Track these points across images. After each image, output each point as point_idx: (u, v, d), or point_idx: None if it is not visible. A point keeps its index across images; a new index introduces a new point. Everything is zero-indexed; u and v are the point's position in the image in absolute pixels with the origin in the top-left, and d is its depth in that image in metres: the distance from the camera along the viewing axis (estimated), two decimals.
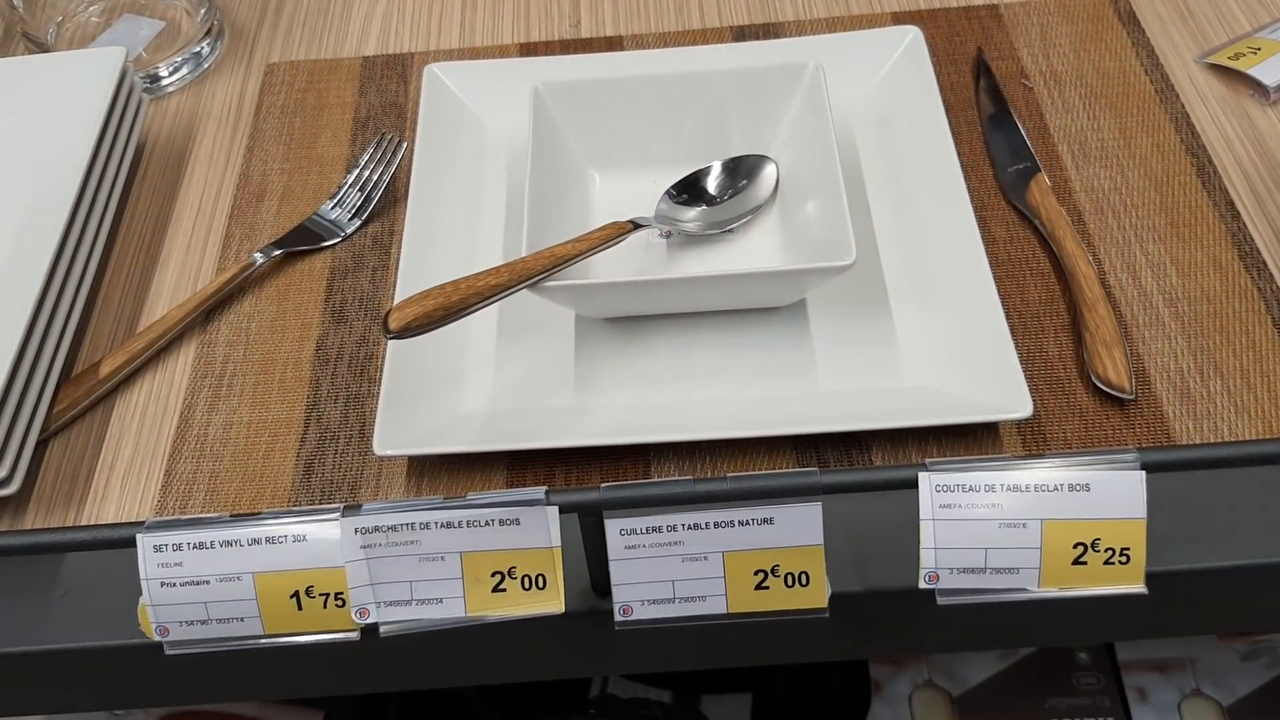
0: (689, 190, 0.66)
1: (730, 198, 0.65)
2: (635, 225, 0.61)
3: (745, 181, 0.66)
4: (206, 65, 0.83)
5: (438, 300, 0.51)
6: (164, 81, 0.82)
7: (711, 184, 0.66)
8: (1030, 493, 0.48)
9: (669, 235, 0.65)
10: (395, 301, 0.61)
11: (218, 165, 0.75)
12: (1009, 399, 0.55)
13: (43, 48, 0.82)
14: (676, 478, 0.54)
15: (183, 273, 0.69)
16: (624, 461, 0.58)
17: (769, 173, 0.66)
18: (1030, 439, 0.58)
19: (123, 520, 0.58)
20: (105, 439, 0.61)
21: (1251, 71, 0.73)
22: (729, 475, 0.49)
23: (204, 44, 0.83)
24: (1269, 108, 0.72)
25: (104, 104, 0.71)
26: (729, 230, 0.65)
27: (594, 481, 0.58)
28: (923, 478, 0.49)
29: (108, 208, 0.70)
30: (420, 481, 0.58)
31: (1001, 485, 0.48)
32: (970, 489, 0.48)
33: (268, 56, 0.83)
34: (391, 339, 0.49)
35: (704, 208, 0.65)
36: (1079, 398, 0.59)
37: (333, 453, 0.60)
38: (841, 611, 0.52)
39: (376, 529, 0.49)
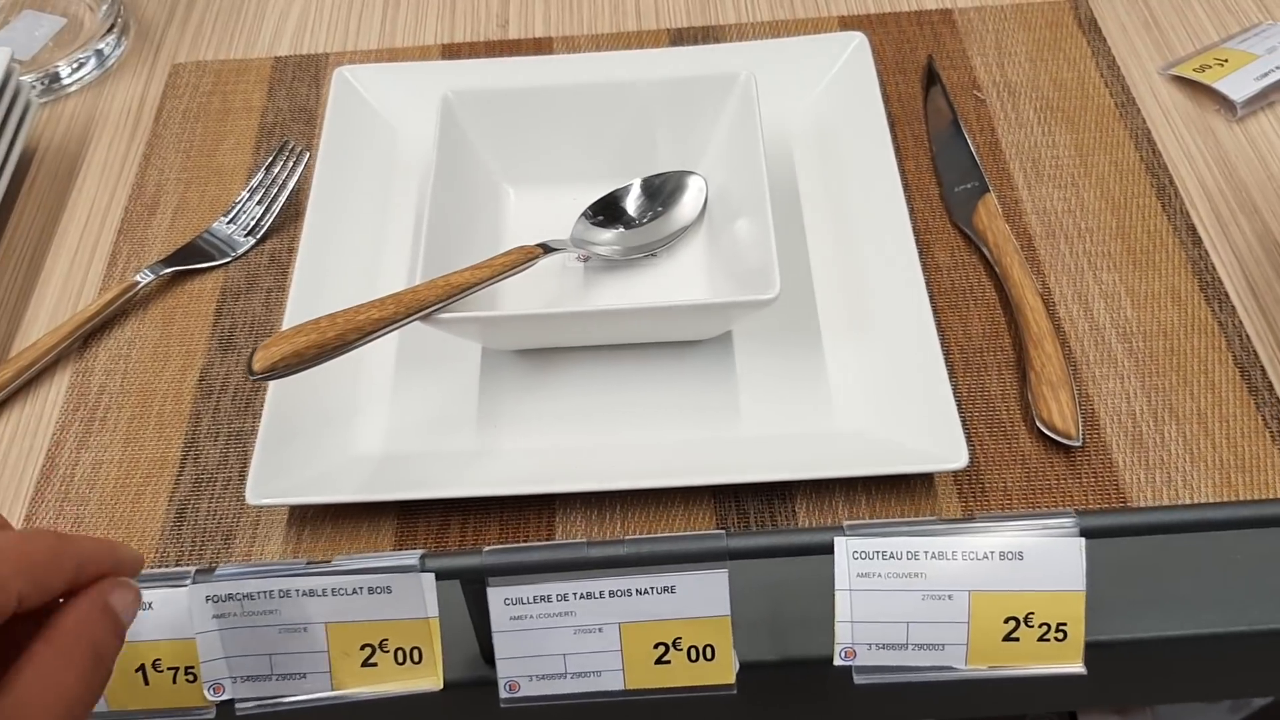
0: (606, 211, 0.60)
1: (650, 220, 0.60)
2: (546, 249, 0.56)
3: (668, 202, 0.61)
4: (110, 64, 0.78)
5: (310, 337, 0.46)
6: (65, 81, 0.76)
7: (631, 205, 0.61)
8: (957, 560, 0.44)
9: (587, 259, 0.60)
10: (283, 328, 0.56)
11: (111, 174, 0.70)
12: (944, 447, 0.51)
13: None
14: (568, 540, 0.49)
15: (64, 292, 0.64)
16: (527, 511, 0.53)
17: (695, 192, 0.61)
18: (967, 488, 0.53)
19: None
20: None
21: (1217, 85, 0.68)
22: (625, 539, 0.44)
23: (106, 41, 0.78)
24: (1235, 124, 0.68)
25: None
26: (652, 254, 0.60)
27: (493, 534, 0.53)
28: (839, 543, 0.44)
29: None
30: (301, 531, 0.53)
31: (925, 552, 0.44)
32: (891, 556, 0.44)
33: (174, 56, 0.77)
34: (256, 380, 0.44)
35: (622, 231, 0.60)
36: (1022, 443, 0.54)
37: (208, 497, 0.55)
38: (753, 683, 0.47)
39: (230, 596, 0.44)
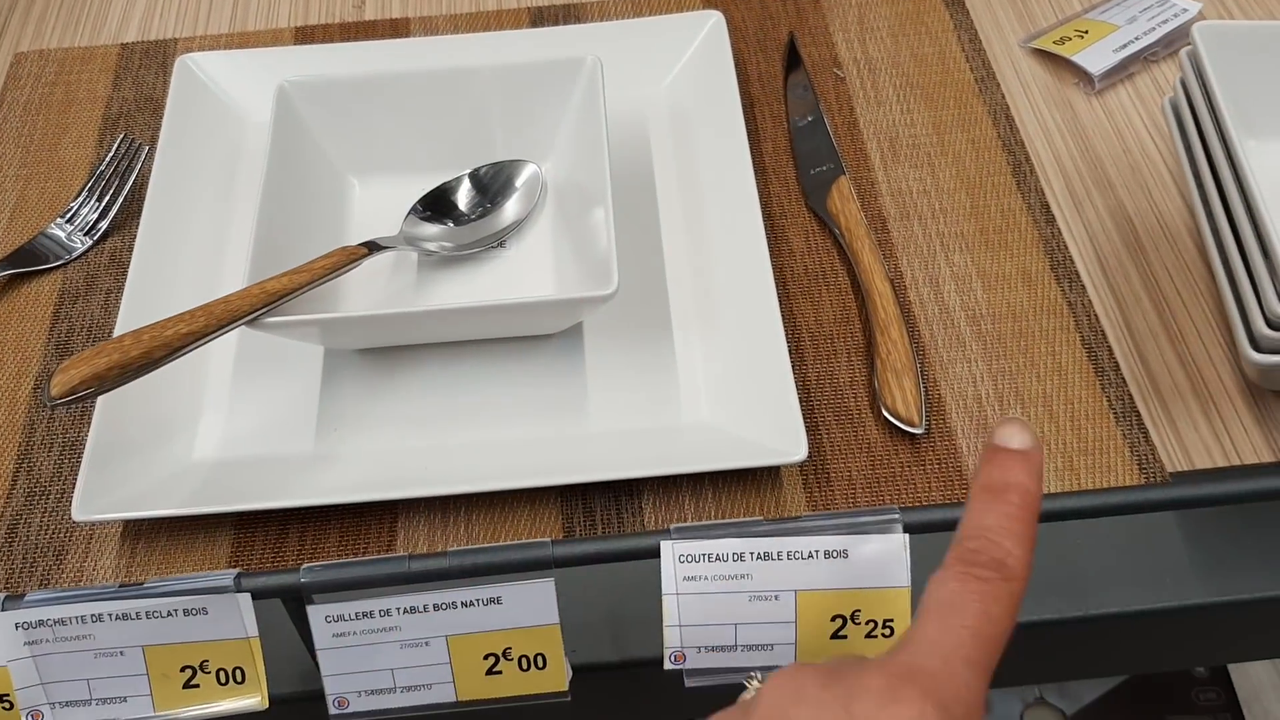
0: (436, 206, 0.59)
1: (480, 215, 0.59)
2: (373, 248, 0.54)
3: (499, 195, 0.60)
4: None
5: (112, 357, 0.44)
6: None
7: (462, 198, 0.59)
8: (782, 561, 0.44)
9: (431, 254, 0.59)
10: (114, 334, 0.54)
11: None
12: (785, 441, 0.50)
13: None
14: (389, 555, 0.48)
15: None
16: (368, 518, 0.52)
17: (529, 182, 0.60)
18: (812, 479, 0.53)
19: None
20: None
21: (1076, 58, 0.68)
22: (449, 551, 0.44)
23: None
24: (1094, 97, 0.68)
25: None
26: (500, 244, 0.59)
27: (333, 541, 0.52)
28: (665, 547, 0.44)
29: None
30: (136, 545, 0.52)
31: (751, 554, 0.44)
32: (717, 558, 0.44)
33: (17, 44, 0.74)
34: (55, 407, 0.42)
35: (451, 227, 0.59)
36: (868, 430, 0.54)
37: (41, 511, 0.53)
38: (588, 687, 0.47)
39: (41, 623, 0.43)
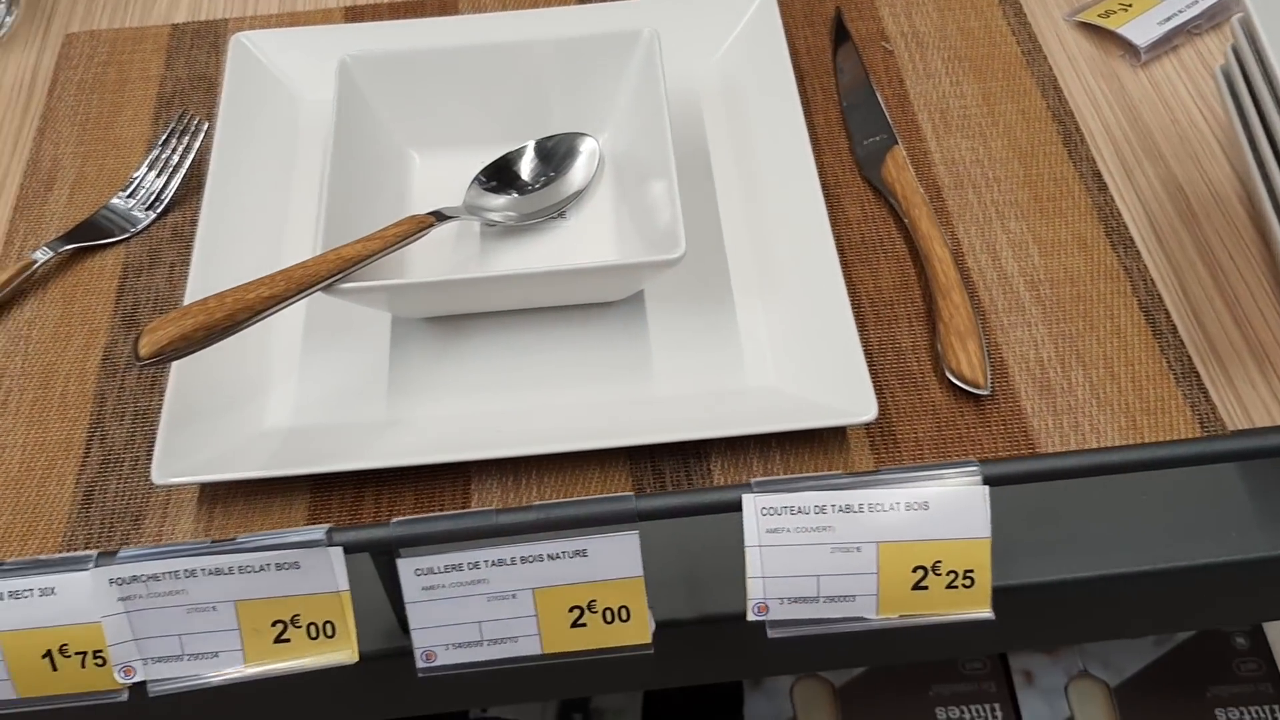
0: (499, 176, 0.60)
1: (543, 185, 0.60)
2: (440, 217, 0.55)
3: (560, 166, 0.60)
4: (1, 34, 0.75)
5: (198, 318, 0.45)
6: None
7: (524, 169, 0.60)
8: (864, 513, 0.44)
9: (494, 225, 0.60)
10: (186, 304, 0.55)
11: (4, 150, 0.68)
12: (853, 401, 0.51)
13: None
14: (477, 508, 0.49)
15: None
16: (441, 480, 0.53)
17: (588, 154, 0.60)
18: (879, 440, 0.53)
19: None
20: None
21: (1121, 30, 0.69)
22: (534, 504, 0.44)
23: None
24: (1140, 69, 0.68)
25: None
26: (560, 215, 0.60)
27: (408, 503, 0.52)
28: (747, 500, 0.44)
29: None
30: (213, 509, 0.52)
31: (833, 506, 0.44)
32: (799, 511, 0.44)
33: (68, 25, 0.75)
34: (144, 366, 0.43)
35: (514, 197, 0.59)
36: (932, 393, 0.55)
37: (116, 478, 0.54)
38: (670, 641, 0.47)
39: (135, 579, 0.43)
